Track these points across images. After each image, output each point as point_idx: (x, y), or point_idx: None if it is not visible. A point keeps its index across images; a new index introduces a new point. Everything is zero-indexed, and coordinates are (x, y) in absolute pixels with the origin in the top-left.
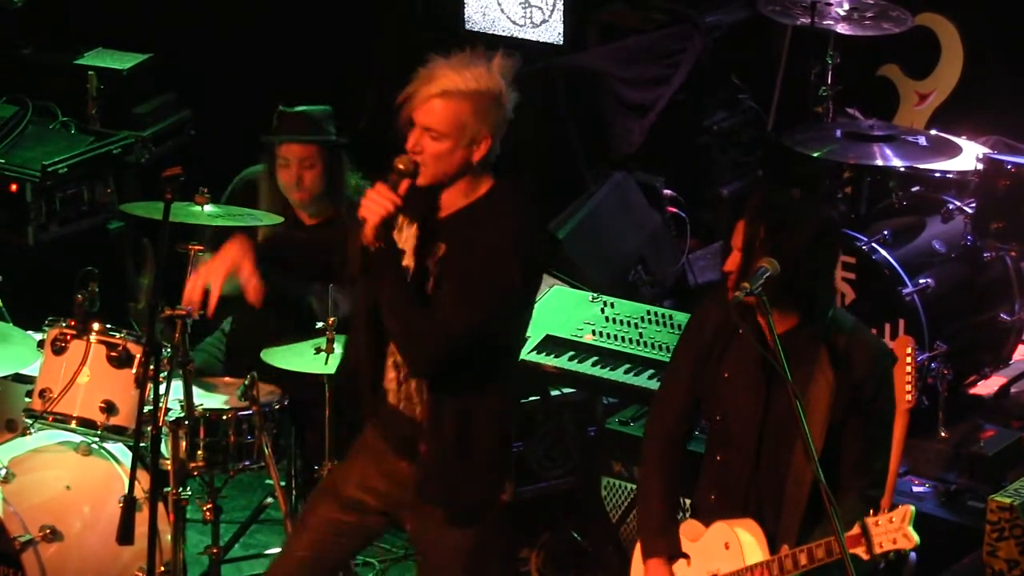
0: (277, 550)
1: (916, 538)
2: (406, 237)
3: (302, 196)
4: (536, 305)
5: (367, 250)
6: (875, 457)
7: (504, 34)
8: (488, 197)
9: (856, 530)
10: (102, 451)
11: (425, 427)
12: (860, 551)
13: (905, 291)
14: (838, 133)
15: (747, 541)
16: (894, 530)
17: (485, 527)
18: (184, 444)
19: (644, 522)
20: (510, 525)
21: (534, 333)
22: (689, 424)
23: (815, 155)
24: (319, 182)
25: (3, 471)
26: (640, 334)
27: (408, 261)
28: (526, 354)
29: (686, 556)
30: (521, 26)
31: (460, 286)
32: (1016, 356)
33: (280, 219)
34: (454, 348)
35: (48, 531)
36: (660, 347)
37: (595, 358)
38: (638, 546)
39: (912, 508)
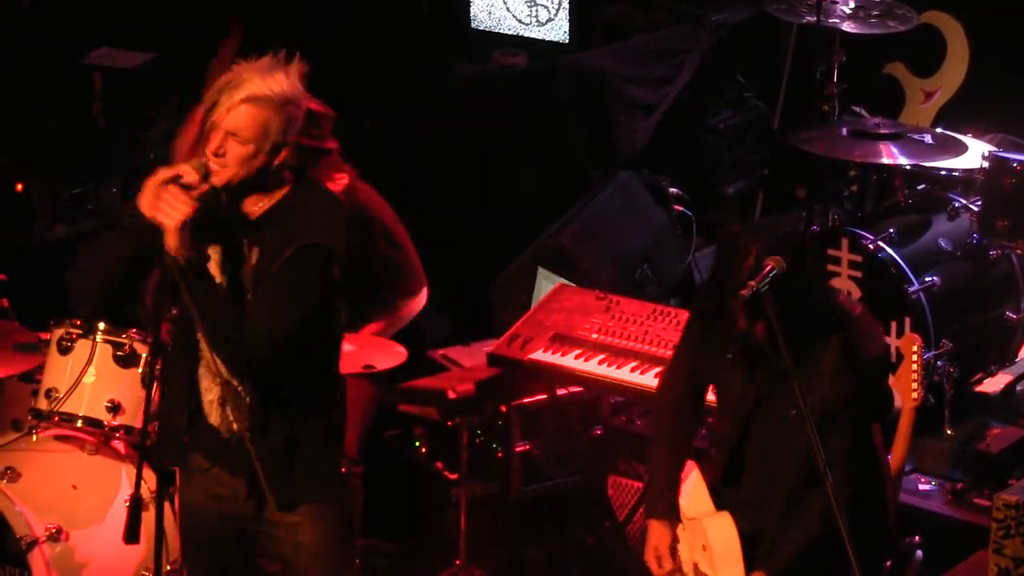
0: None
1: None
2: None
3: None
4: (542, 304)
5: (176, 260)
6: (863, 438)
7: (510, 32)
8: (289, 197)
9: None
10: (108, 451)
11: (252, 437)
12: None
13: (911, 289)
14: (844, 131)
15: (722, 553)
16: None
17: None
18: None
19: (651, 479)
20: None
21: (541, 332)
22: (702, 385)
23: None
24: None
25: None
26: (646, 332)
27: (215, 271)
28: (533, 353)
29: (682, 524)
30: (527, 25)
31: (275, 287)
32: (1022, 354)
33: None
34: (276, 348)
35: (54, 531)
36: (666, 345)
37: (601, 356)
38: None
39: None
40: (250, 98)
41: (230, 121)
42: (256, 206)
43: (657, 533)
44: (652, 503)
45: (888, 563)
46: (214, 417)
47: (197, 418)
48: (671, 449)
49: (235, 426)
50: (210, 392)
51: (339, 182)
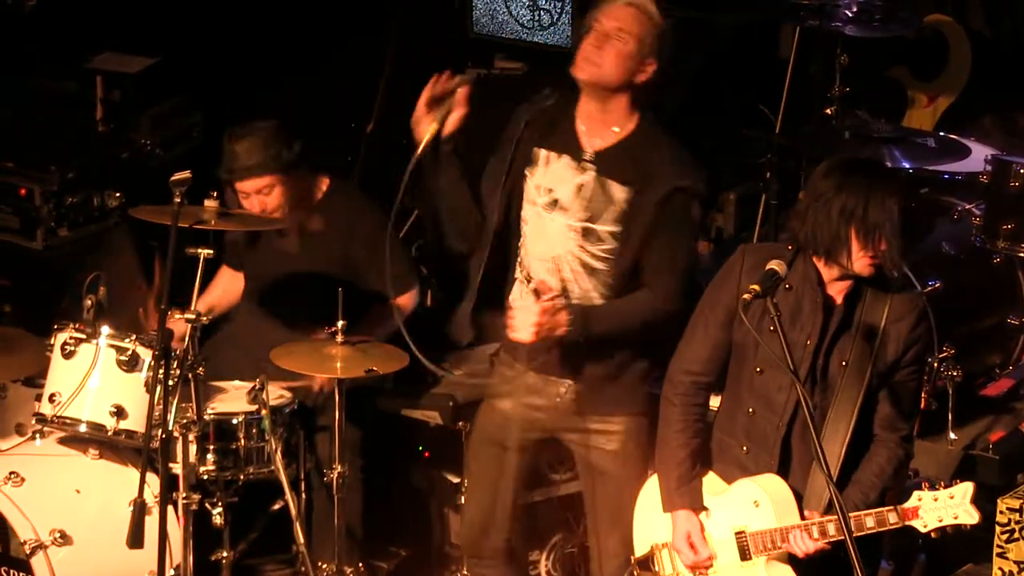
0: (288, 554)
1: (977, 514)
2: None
3: (277, 218)
4: None
5: None
6: (913, 410)
7: (512, 37)
8: (639, 130)
9: (915, 502)
10: (112, 455)
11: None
12: (918, 524)
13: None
14: (846, 135)
15: (779, 501)
16: (955, 506)
17: None
18: (194, 448)
19: (666, 472)
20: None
21: None
22: (717, 368)
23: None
24: (284, 200)
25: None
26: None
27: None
28: None
29: (706, 509)
30: (529, 29)
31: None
32: None
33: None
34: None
35: (58, 535)
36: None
37: None
38: (646, 487)
39: (972, 485)
40: (630, 2)
41: (610, 20)
42: (605, 128)
43: (685, 520)
44: (674, 496)
45: (892, 566)
46: None
47: None
48: (687, 437)
49: None
50: None
51: (322, 184)
